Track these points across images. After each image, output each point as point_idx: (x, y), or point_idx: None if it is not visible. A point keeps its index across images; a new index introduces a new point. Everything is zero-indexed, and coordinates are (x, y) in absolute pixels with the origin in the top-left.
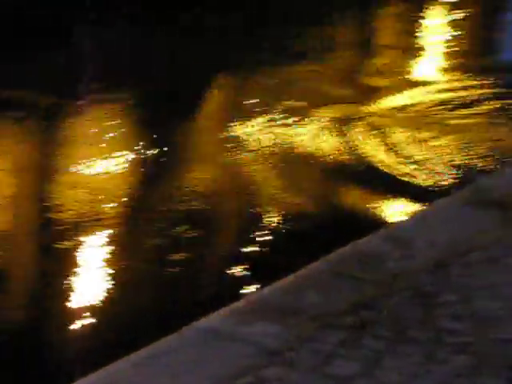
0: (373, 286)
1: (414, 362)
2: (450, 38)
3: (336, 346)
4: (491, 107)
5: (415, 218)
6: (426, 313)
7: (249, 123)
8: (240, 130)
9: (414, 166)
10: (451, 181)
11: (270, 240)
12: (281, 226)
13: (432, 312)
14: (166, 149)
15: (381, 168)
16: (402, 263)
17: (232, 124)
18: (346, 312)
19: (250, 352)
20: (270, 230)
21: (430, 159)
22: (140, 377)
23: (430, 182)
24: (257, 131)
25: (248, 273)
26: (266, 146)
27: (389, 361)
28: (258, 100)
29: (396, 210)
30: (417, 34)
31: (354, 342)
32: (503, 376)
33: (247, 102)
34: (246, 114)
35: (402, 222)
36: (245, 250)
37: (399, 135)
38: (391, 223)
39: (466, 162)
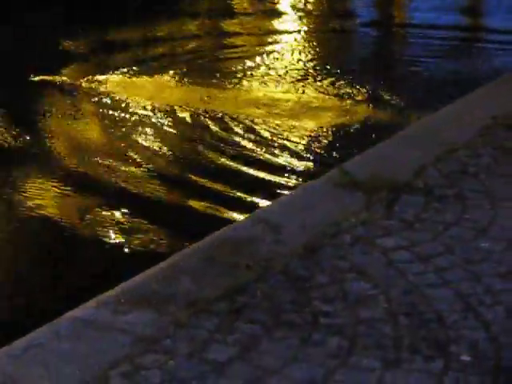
0: (246, 271)
1: (291, 345)
2: None
3: (212, 331)
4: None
5: (284, 201)
6: (300, 296)
7: None
8: None
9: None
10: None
11: None
12: None
13: (306, 295)
14: None
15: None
16: (274, 247)
17: None
18: (220, 297)
19: (126, 341)
20: None
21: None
22: (13, 367)
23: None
24: None
25: None
26: None
27: (265, 344)
28: None
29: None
30: None
31: (230, 327)
32: (375, 356)
33: None
34: None
35: (271, 205)
36: None
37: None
38: (261, 207)
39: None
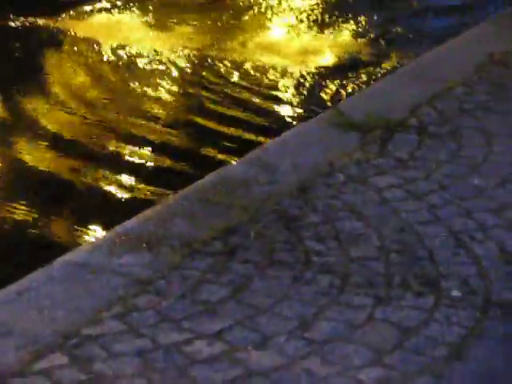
0: (240, 212)
1: (283, 284)
2: None
3: (205, 272)
4: None
5: (279, 141)
6: (293, 235)
7: None
8: None
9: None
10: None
11: None
12: None
13: (298, 234)
14: None
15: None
16: (268, 188)
17: None
18: (214, 238)
19: (120, 283)
20: None
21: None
22: (6, 313)
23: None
24: None
25: None
26: None
27: (258, 284)
28: None
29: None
30: None
31: (223, 267)
32: (366, 294)
33: None
34: None
35: (266, 145)
36: None
37: None
38: (256, 148)
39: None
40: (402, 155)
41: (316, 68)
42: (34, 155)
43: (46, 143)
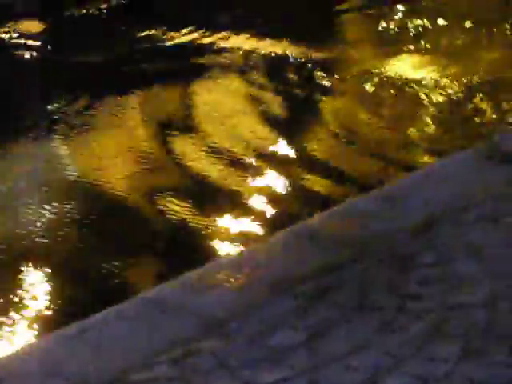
0: (348, 248)
1: (367, 331)
2: None
3: (286, 314)
4: None
5: (416, 175)
6: (395, 277)
7: None
8: None
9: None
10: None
11: None
12: None
13: (401, 276)
14: None
15: None
16: (388, 223)
17: None
18: (308, 277)
19: (191, 323)
20: None
21: None
22: (62, 351)
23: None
24: None
25: None
26: None
27: (339, 330)
28: None
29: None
30: None
31: (308, 309)
32: (453, 345)
33: None
34: None
35: (401, 179)
36: None
37: None
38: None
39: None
40: None
41: None
42: None
43: None
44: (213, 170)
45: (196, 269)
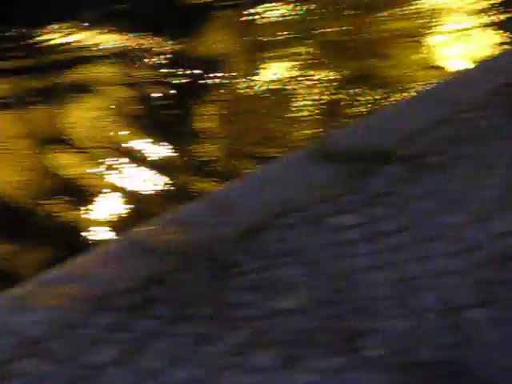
0: (173, 258)
1: (186, 344)
2: None
3: (105, 329)
4: None
5: (245, 179)
6: (218, 286)
7: None
8: None
9: None
10: None
11: None
12: None
13: (225, 284)
14: None
15: None
16: (214, 230)
17: None
18: (130, 290)
19: (10, 343)
20: None
21: None
22: None
23: None
24: None
25: None
26: None
27: (156, 344)
28: None
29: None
30: None
31: (128, 324)
32: (272, 354)
33: None
34: None
35: (231, 184)
36: None
37: None
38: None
39: None
40: (377, 191)
41: None
42: None
43: None
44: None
45: (19, 286)
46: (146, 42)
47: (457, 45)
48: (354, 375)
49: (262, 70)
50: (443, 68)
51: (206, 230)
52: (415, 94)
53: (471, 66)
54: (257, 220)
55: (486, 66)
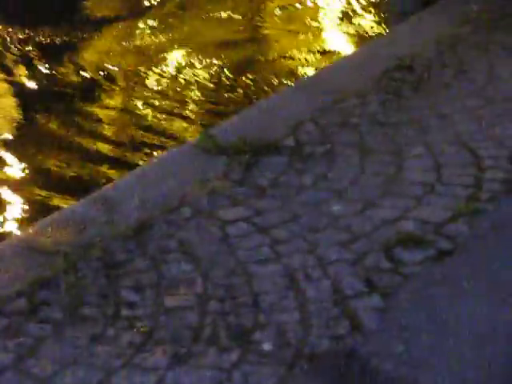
0: (62, 260)
1: (78, 346)
2: None
3: None
4: None
5: (132, 175)
6: (109, 286)
7: None
8: None
9: None
10: None
11: None
12: None
13: (116, 284)
14: None
15: None
16: (103, 229)
17: None
18: (20, 294)
19: None
20: None
21: None
22: None
23: None
24: None
25: None
26: None
27: (49, 347)
28: None
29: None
30: None
31: (18, 329)
32: (164, 352)
33: None
34: None
35: (119, 180)
36: None
37: None
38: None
39: None
40: (264, 182)
41: None
42: None
43: None
44: None
45: None
46: None
47: (337, 28)
48: (248, 369)
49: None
50: (327, 53)
51: (93, 228)
52: (298, 82)
53: (351, 50)
54: (145, 216)
55: (366, 52)
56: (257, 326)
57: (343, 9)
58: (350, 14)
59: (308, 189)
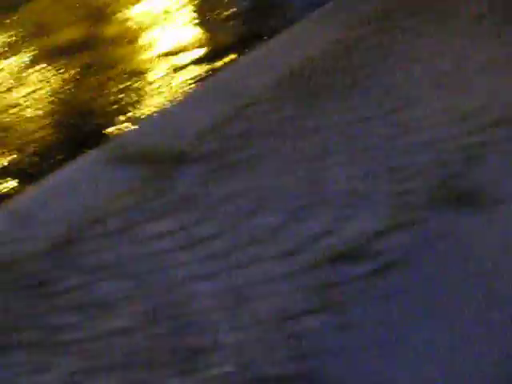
0: None
1: (20, 373)
2: None
3: None
4: None
5: (43, 187)
6: (37, 308)
7: None
8: None
9: None
10: None
11: None
12: None
13: (44, 306)
14: None
15: None
16: (19, 246)
17: None
18: None
19: None
20: None
21: None
22: None
23: None
24: None
25: None
26: None
27: None
28: None
29: None
30: None
31: None
32: (114, 378)
33: None
34: None
35: (30, 193)
36: None
37: None
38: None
39: None
40: (183, 194)
41: None
42: None
43: None
44: None
45: None
46: None
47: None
48: None
49: None
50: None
51: (10, 245)
52: (200, 87)
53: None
54: (64, 231)
55: (262, 54)
56: (206, 348)
57: None
58: None
59: (231, 200)
